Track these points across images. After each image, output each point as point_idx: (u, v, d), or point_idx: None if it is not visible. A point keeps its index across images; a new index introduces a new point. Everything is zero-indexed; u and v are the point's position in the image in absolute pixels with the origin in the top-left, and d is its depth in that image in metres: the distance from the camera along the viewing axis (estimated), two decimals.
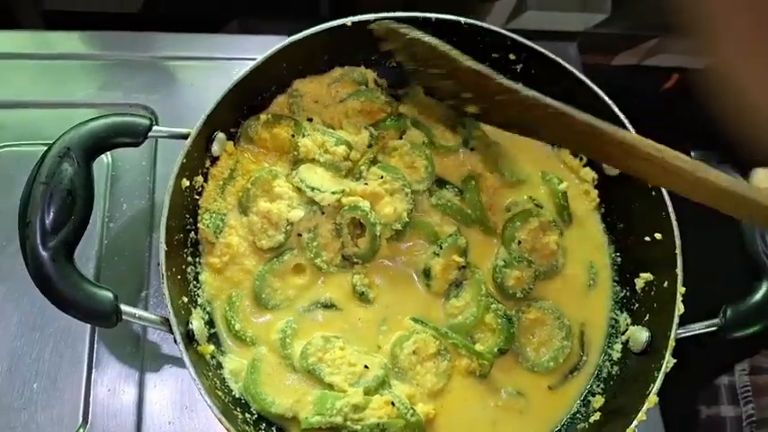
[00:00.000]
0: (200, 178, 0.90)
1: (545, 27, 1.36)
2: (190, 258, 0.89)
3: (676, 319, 0.84)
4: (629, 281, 0.97)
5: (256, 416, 0.84)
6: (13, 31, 1.18)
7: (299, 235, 0.92)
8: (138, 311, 0.78)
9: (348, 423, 0.81)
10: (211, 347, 0.84)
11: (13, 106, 1.11)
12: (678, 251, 0.86)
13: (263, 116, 0.95)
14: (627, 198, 0.97)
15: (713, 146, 0.96)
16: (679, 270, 0.86)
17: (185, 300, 0.84)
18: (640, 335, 0.89)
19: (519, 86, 0.85)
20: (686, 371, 0.83)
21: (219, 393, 0.80)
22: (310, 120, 0.98)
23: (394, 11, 0.94)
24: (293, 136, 0.94)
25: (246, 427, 0.79)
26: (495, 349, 0.89)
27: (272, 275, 0.90)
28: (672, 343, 0.82)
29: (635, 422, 0.78)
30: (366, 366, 0.86)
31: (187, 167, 0.84)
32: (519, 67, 1.00)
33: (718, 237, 0.92)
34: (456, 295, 0.93)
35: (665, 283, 0.88)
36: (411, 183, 0.95)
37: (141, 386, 0.93)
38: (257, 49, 1.10)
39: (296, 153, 0.94)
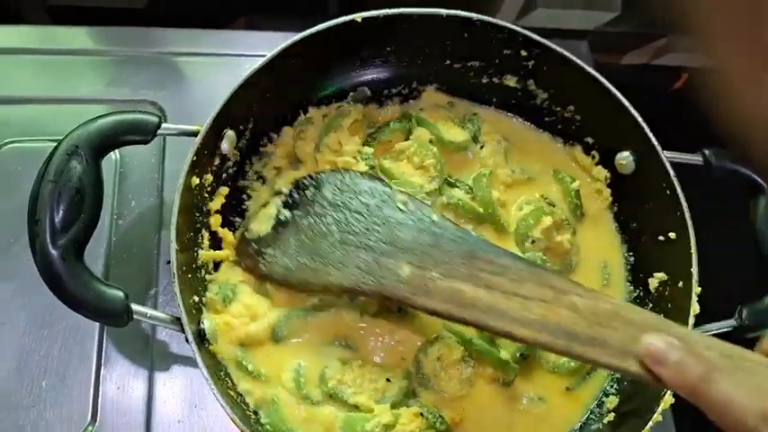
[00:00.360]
0: (209, 176, 0.89)
1: (554, 25, 1.35)
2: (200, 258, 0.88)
3: (692, 320, 0.83)
4: (642, 281, 0.96)
5: None
6: (18, 25, 1.18)
7: None
8: (150, 311, 0.77)
9: None
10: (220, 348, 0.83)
11: (17, 102, 1.10)
12: (693, 250, 0.85)
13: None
14: (640, 197, 0.96)
15: (726, 145, 0.95)
16: (694, 270, 0.85)
17: (196, 299, 0.83)
18: None
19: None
20: None
21: (231, 393, 0.79)
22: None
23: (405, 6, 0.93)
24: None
25: (259, 427, 0.78)
26: (518, 354, 0.88)
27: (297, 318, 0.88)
28: None
29: (650, 423, 0.77)
30: (388, 380, 0.85)
31: (197, 165, 0.84)
32: (531, 63, 0.99)
33: (733, 236, 0.91)
34: None
35: (680, 283, 0.87)
36: (421, 186, 0.94)
37: (150, 384, 0.93)
38: (265, 45, 1.09)
39: None
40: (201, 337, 0.80)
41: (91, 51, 1.17)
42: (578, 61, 0.94)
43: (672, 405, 0.80)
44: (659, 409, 0.79)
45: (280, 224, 0.88)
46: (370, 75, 1.03)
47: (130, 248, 1.01)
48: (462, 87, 1.06)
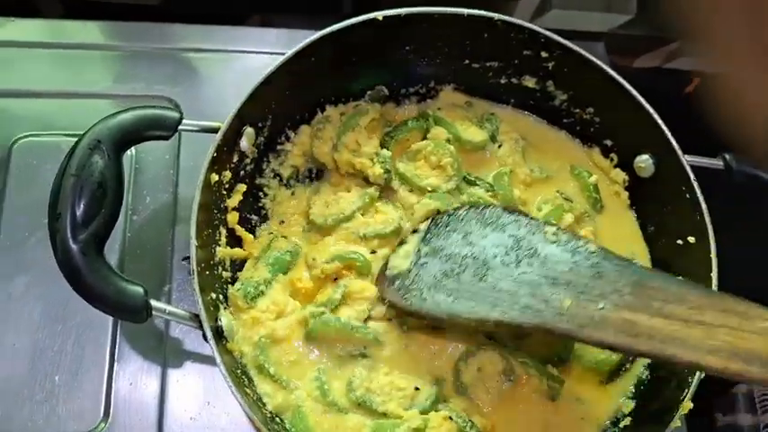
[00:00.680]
0: (227, 173, 0.88)
1: (569, 26, 1.35)
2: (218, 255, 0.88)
3: None
4: None
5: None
6: (32, 19, 1.18)
7: None
8: (168, 307, 0.77)
9: None
10: (236, 346, 0.83)
11: (33, 96, 1.10)
12: (713, 255, 0.85)
13: None
14: (659, 200, 0.95)
15: (746, 150, 0.95)
16: (714, 274, 0.84)
17: (213, 296, 0.83)
18: None
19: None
20: (703, 378, 0.81)
21: (248, 390, 0.79)
22: None
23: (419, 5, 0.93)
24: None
25: (275, 426, 0.78)
26: (555, 358, 0.88)
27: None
28: None
29: (669, 427, 0.77)
30: (417, 388, 0.84)
31: (216, 162, 0.83)
32: (551, 65, 0.98)
33: (754, 240, 0.91)
34: None
35: None
36: (438, 186, 0.95)
37: (163, 381, 0.92)
38: (279, 42, 1.10)
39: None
40: (219, 335, 0.79)
41: (106, 46, 1.17)
42: (599, 63, 0.94)
43: (690, 410, 0.79)
44: (678, 414, 0.79)
45: (420, 260, 0.87)
46: (389, 73, 1.02)
47: (145, 244, 1.00)
48: (481, 87, 1.06)
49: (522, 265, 0.79)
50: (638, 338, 0.68)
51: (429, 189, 0.96)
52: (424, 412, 0.82)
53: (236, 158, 0.90)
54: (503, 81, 1.04)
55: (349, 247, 0.93)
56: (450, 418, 0.81)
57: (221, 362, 0.74)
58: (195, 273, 0.77)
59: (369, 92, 1.03)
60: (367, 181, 0.98)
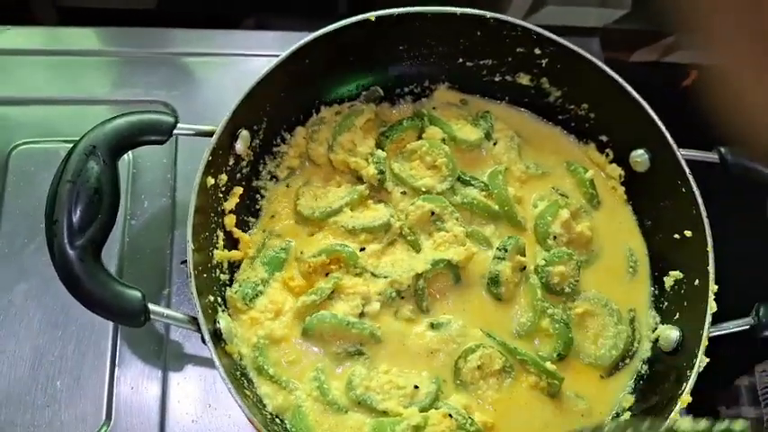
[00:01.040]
0: (224, 176, 0.89)
1: (563, 22, 1.35)
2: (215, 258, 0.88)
3: (709, 318, 0.82)
4: (657, 279, 0.96)
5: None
6: (28, 27, 1.18)
7: None
8: (166, 311, 0.77)
9: None
10: (235, 348, 0.83)
11: (29, 103, 1.11)
12: (710, 249, 0.85)
13: None
14: (655, 195, 0.96)
15: (738, 143, 0.95)
16: (711, 268, 0.84)
17: (211, 299, 0.83)
18: (670, 334, 0.88)
19: None
20: (706, 371, 0.81)
21: (248, 392, 0.79)
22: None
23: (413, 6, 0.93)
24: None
25: (276, 427, 0.78)
26: (555, 355, 0.88)
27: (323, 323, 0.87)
28: (704, 342, 0.81)
29: (668, 422, 0.77)
30: (416, 386, 0.84)
31: (212, 165, 0.84)
32: (544, 62, 0.98)
33: (750, 233, 0.90)
34: None
35: (696, 282, 0.87)
36: (432, 187, 0.95)
37: (164, 384, 0.93)
38: (275, 45, 1.10)
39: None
40: (217, 337, 0.79)
41: (101, 52, 1.17)
42: (593, 59, 0.94)
43: (688, 404, 0.79)
44: (676, 408, 0.79)
45: None
46: (383, 73, 1.03)
47: (143, 249, 1.01)
48: (475, 86, 1.06)
49: None
50: None
51: (423, 190, 0.96)
52: (423, 410, 0.83)
53: (231, 161, 0.90)
54: (497, 79, 1.04)
55: (336, 240, 0.93)
56: (450, 415, 0.81)
57: (220, 364, 0.74)
58: (192, 276, 0.77)
59: (364, 92, 1.03)
60: (361, 181, 0.98)
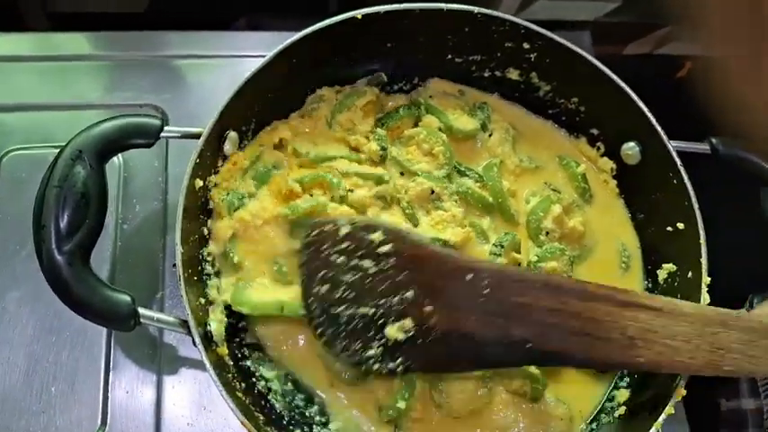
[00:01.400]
0: (213, 178, 0.89)
1: (555, 16, 1.34)
2: (206, 259, 0.88)
3: None
4: (650, 272, 0.96)
5: (279, 414, 0.84)
6: (18, 33, 1.18)
7: None
8: (156, 314, 0.77)
9: None
10: (227, 350, 0.83)
11: (20, 109, 1.10)
12: (702, 240, 0.85)
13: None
14: (647, 188, 0.95)
15: (730, 134, 0.94)
16: (704, 260, 0.84)
17: (202, 301, 0.83)
18: None
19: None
20: None
21: (239, 395, 0.79)
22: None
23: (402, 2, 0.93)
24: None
25: (268, 429, 0.78)
26: None
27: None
28: None
29: (663, 415, 0.77)
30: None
31: (200, 167, 0.83)
32: (533, 56, 0.98)
33: (743, 225, 0.90)
34: None
35: (689, 274, 0.87)
36: (430, 173, 0.95)
37: (159, 388, 0.93)
38: (266, 45, 1.09)
39: None
40: (209, 340, 0.79)
41: (92, 57, 1.17)
42: (581, 52, 0.93)
43: (684, 397, 0.79)
44: (672, 401, 0.78)
45: None
46: (372, 71, 1.02)
47: (136, 252, 1.01)
48: (464, 81, 1.05)
49: None
50: None
51: (419, 173, 0.95)
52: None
53: (220, 163, 0.90)
54: (486, 74, 1.04)
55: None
56: None
57: (211, 367, 0.74)
58: (182, 279, 0.77)
59: (368, 77, 1.02)
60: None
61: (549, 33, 0.94)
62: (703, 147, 0.92)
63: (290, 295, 0.84)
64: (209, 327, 0.80)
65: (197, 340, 0.75)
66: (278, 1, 1.38)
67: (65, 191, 0.73)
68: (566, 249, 0.93)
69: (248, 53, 1.18)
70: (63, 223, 0.73)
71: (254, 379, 0.86)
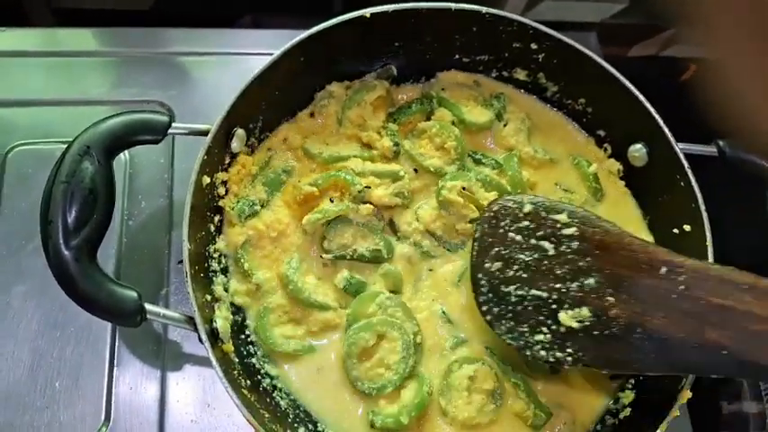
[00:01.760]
0: (220, 174, 0.89)
1: (561, 17, 1.34)
2: (212, 256, 0.88)
3: None
4: None
5: (284, 411, 0.84)
6: (24, 29, 1.18)
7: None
8: (163, 310, 0.77)
9: None
10: (232, 347, 0.83)
11: (26, 105, 1.11)
12: (709, 243, 0.84)
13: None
14: (654, 189, 0.95)
15: (734, 136, 0.94)
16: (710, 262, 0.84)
17: (208, 298, 0.83)
18: None
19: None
20: None
21: (245, 392, 0.79)
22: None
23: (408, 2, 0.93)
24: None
25: (273, 426, 0.78)
26: (547, 366, 0.87)
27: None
28: None
29: (669, 417, 0.77)
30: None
31: (208, 164, 0.83)
32: (541, 56, 0.98)
33: (750, 227, 0.90)
34: None
35: None
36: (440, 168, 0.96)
37: (163, 384, 0.93)
38: (271, 43, 1.09)
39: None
40: (214, 336, 0.79)
41: (98, 53, 1.18)
42: (589, 53, 0.93)
43: (688, 400, 0.79)
44: (677, 404, 0.78)
45: None
46: (378, 70, 1.02)
47: (141, 249, 1.01)
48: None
49: None
50: None
51: (431, 169, 0.95)
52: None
53: (227, 160, 0.90)
54: (494, 75, 1.04)
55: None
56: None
57: (217, 364, 0.74)
58: (189, 275, 0.77)
59: (378, 70, 1.02)
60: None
61: (557, 34, 0.94)
62: (710, 149, 0.92)
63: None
64: (215, 324, 0.80)
65: (203, 337, 0.75)
66: (283, 0, 1.39)
67: (72, 186, 0.73)
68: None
69: (253, 51, 1.18)
70: (70, 219, 0.73)
71: (259, 376, 0.85)
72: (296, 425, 0.83)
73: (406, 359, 0.84)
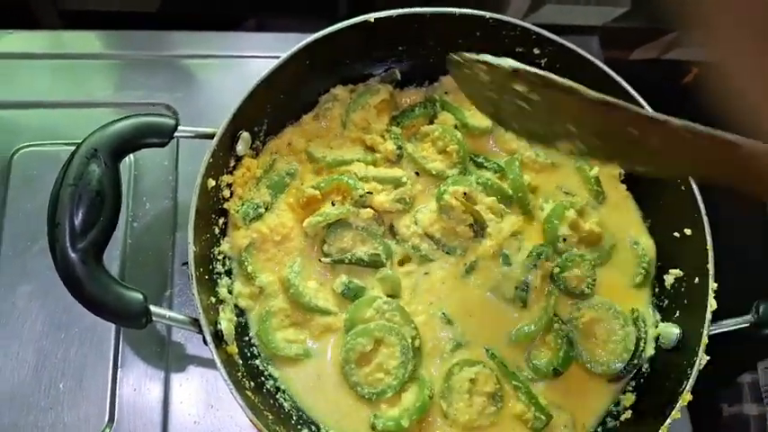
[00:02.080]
0: (225, 177, 0.89)
1: (563, 21, 1.35)
2: (216, 258, 0.89)
3: (709, 316, 0.83)
4: (657, 277, 0.96)
5: (288, 413, 0.84)
6: (30, 31, 1.19)
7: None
8: (168, 312, 0.78)
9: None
10: (236, 349, 0.83)
11: (32, 106, 1.11)
12: (709, 246, 0.85)
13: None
14: (655, 193, 0.96)
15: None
16: (710, 266, 0.85)
17: (213, 300, 0.84)
18: (671, 332, 0.89)
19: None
20: (709, 369, 0.81)
21: (249, 393, 0.80)
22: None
23: (412, 6, 0.93)
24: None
25: (277, 428, 0.78)
26: (551, 369, 0.88)
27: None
28: (705, 340, 0.81)
29: (669, 420, 0.77)
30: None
31: (213, 167, 0.84)
32: (544, 61, 0.98)
33: (750, 231, 0.90)
34: None
35: (696, 279, 0.87)
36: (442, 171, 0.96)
37: (167, 385, 0.93)
38: (276, 46, 1.10)
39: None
40: (219, 338, 0.80)
41: (104, 55, 1.18)
42: (591, 58, 0.94)
43: (689, 402, 0.80)
44: (678, 406, 0.79)
45: None
46: (382, 74, 1.03)
47: (146, 251, 1.01)
48: None
49: None
50: None
51: (433, 172, 0.96)
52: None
53: (232, 163, 0.91)
54: None
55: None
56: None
57: (221, 365, 0.75)
58: (194, 277, 0.78)
59: (382, 74, 1.03)
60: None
61: (559, 39, 0.95)
62: None
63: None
64: (219, 325, 0.81)
65: (208, 339, 0.76)
66: (287, 2, 1.39)
67: (80, 189, 0.74)
68: (585, 255, 0.94)
69: (257, 54, 1.19)
70: (77, 221, 0.73)
71: (262, 378, 0.86)
72: (299, 426, 0.83)
73: (405, 363, 0.85)
